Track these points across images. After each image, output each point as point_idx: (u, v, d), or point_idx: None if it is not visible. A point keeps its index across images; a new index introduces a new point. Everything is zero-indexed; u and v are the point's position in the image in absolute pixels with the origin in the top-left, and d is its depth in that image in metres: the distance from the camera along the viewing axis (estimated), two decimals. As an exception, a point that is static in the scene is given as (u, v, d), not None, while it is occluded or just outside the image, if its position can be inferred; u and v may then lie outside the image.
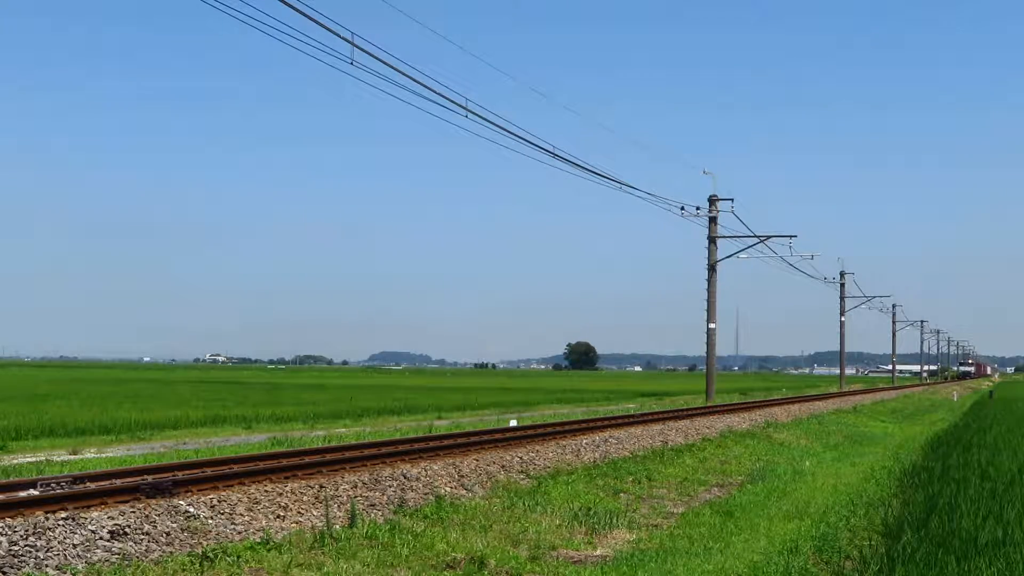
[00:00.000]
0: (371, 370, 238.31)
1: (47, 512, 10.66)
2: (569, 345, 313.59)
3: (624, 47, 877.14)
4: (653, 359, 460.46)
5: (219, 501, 12.14)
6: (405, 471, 15.50)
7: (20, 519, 10.25)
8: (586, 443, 21.65)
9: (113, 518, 10.72)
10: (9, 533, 9.77)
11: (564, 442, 21.36)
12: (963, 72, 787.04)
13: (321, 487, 13.60)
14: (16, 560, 9.31)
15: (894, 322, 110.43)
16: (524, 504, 14.78)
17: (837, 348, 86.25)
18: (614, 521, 14.41)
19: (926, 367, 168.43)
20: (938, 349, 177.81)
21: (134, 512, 11.05)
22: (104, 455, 20.35)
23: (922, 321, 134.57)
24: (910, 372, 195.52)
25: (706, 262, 45.44)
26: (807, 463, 23.51)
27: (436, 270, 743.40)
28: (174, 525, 11.05)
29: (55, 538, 9.91)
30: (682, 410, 35.10)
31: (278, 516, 12.29)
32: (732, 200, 45.28)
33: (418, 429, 27.37)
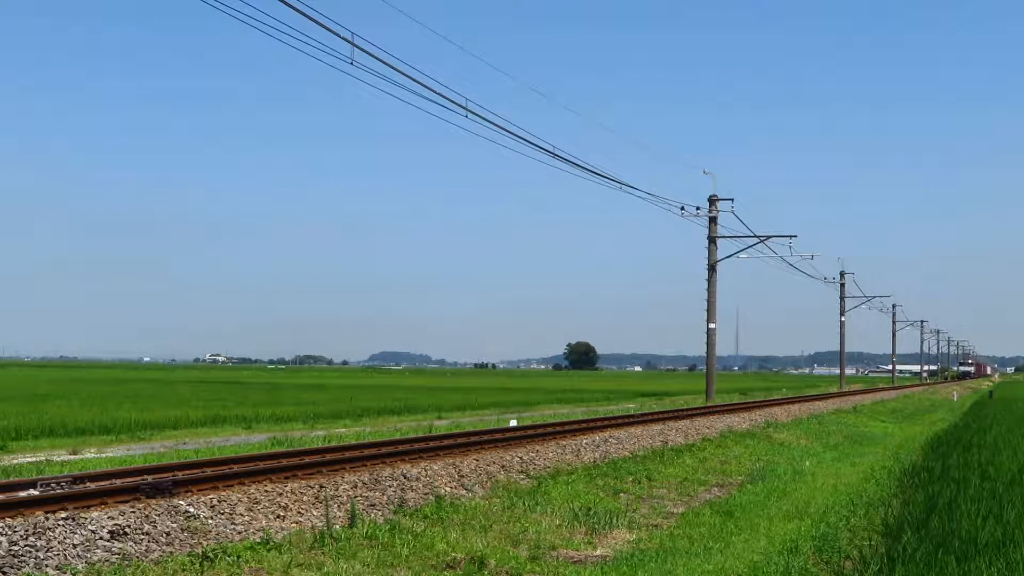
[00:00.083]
0: (371, 370, 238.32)
1: (47, 512, 10.66)
2: (569, 345, 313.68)
3: (624, 47, 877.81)
4: (653, 359, 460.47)
5: (219, 501, 12.14)
6: (405, 471, 15.50)
7: (20, 519, 10.25)
8: (586, 443, 21.65)
9: (113, 518, 10.72)
10: (9, 533, 9.77)
11: (564, 442, 21.36)
12: (963, 72, 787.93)
13: (321, 487, 13.60)
14: (16, 560, 9.31)
15: (894, 322, 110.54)
16: (524, 504, 14.78)
17: (837, 348, 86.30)
18: (614, 521, 14.42)
19: (926, 367, 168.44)
20: (938, 349, 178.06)
21: (134, 512, 11.06)
22: (104, 455, 20.35)
23: (922, 321, 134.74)
24: (910, 372, 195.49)
25: (706, 262, 45.45)
26: (807, 463, 23.51)
27: (436, 270, 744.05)
28: (174, 525, 11.05)
29: (55, 538, 9.91)
30: (682, 410, 35.10)
31: (278, 516, 12.29)
32: (732, 200, 45.33)
33: (418, 429, 27.37)
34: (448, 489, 15.21)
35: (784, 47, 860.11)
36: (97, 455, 20.36)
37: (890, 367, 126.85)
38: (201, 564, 9.95)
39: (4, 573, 9.09)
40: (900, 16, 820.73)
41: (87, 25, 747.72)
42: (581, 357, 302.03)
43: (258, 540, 11.09)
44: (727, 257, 46.34)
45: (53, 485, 12.37)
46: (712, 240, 45.29)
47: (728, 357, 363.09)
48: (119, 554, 9.94)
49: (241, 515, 11.94)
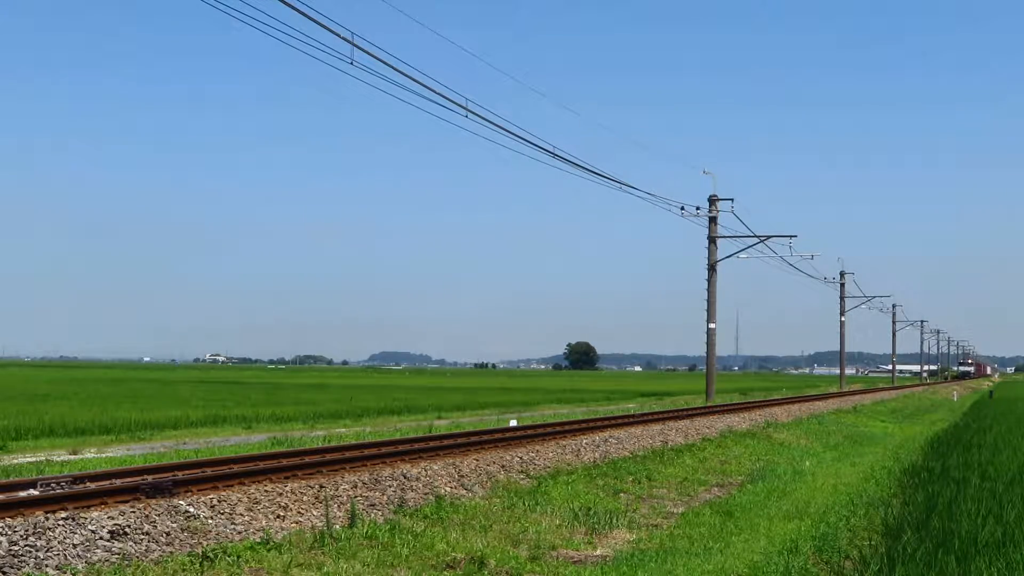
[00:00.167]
0: (371, 370, 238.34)
1: (47, 512, 10.66)
2: (569, 345, 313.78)
3: (624, 47, 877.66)
4: (653, 359, 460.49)
5: (219, 501, 12.14)
6: (405, 471, 15.51)
7: (20, 519, 10.25)
8: (586, 443, 21.65)
9: (113, 518, 10.72)
10: (9, 533, 9.77)
11: (564, 442, 21.36)
12: (963, 72, 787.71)
13: (321, 487, 13.60)
14: (16, 560, 9.31)
15: (894, 322, 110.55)
16: (524, 504, 14.78)
17: (837, 348, 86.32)
18: (614, 521, 14.42)
19: (926, 367, 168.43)
20: (938, 349, 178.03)
21: (134, 512, 11.06)
22: (104, 455, 20.35)
23: (922, 321, 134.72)
24: (910, 372, 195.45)
25: (706, 262, 45.46)
26: (807, 463, 23.51)
27: (436, 270, 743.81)
28: (174, 525, 11.06)
29: (55, 538, 9.91)
30: (682, 410, 35.10)
31: (278, 516, 12.29)
32: (732, 200, 45.33)
33: (418, 429, 27.37)
34: (448, 489, 15.21)
35: (784, 47, 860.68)
36: (97, 455, 20.37)
37: (890, 367, 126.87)
38: (201, 564, 9.95)
39: (4, 573, 9.09)
40: (900, 16, 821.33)
41: (87, 25, 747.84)
42: (581, 357, 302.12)
43: (258, 540, 11.09)
44: (727, 257, 46.41)
45: (53, 485, 12.38)
46: (712, 240, 45.29)
47: (728, 357, 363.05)
48: (119, 554, 9.94)
49: (241, 515, 11.94)
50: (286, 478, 13.94)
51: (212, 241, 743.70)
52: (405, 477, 15.19)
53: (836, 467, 22.98)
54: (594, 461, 19.93)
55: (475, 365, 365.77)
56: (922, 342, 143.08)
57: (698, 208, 45.03)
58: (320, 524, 11.97)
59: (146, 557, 10.04)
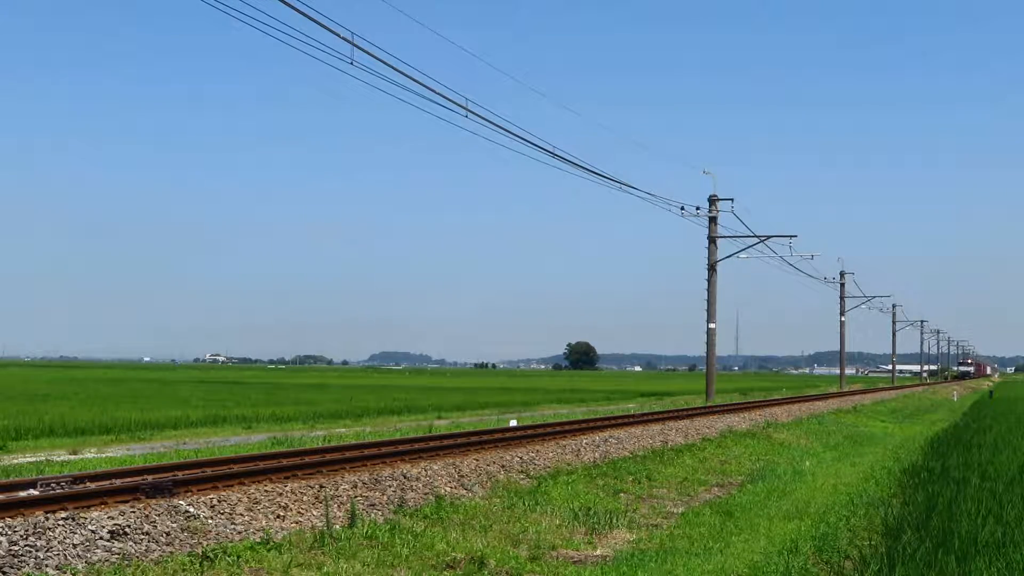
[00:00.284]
0: (371, 370, 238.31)
1: (47, 512, 10.67)
2: (569, 345, 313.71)
3: (624, 47, 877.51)
4: (653, 359, 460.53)
5: (219, 501, 12.14)
6: (405, 471, 15.50)
7: (20, 519, 10.25)
8: (586, 443, 21.64)
9: (113, 518, 10.72)
10: (9, 533, 9.77)
11: (564, 442, 21.35)
12: (963, 72, 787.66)
13: (321, 487, 13.60)
14: (16, 560, 9.31)
15: (894, 322, 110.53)
16: (524, 504, 14.78)
17: (837, 348, 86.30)
18: (614, 521, 14.42)
19: (926, 367, 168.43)
20: (938, 349, 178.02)
21: (134, 512, 11.06)
22: (104, 455, 20.35)
23: (922, 321, 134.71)
24: (910, 372, 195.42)
25: (706, 262, 45.45)
26: (807, 463, 23.51)
27: (436, 270, 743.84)
28: (174, 525, 11.05)
29: (55, 538, 9.91)
30: (682, 410, 35.10)
31: (278, 516, 12.29)
32: (732, 200, 45.33)
33: (418, 429, 27.37)
34: (448, 489, 15.21)
35: (784, 47, 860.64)
36: (97, 455, 20.36)
37: (890, 367, 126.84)
38: (201, 564, 9.95)
39: (4, 573, 9.09)
40: (900, 16, 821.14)
41: (87, 26, 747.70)
42: (581, 357, 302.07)
43: (258, 540, 11.09)
44: (727, 257, 46.40)
45: (53, 485, 12.38)
46: (712, 240, 45.28)
47: (728, 357, 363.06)
48: (119, 554, 9.94)
49: (241, 515, 11.94)
50: (286, 478, 13.94)
51: (212, 241, 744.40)
52: (405, 477, 15.18)
53: (836, 467, 22.98)
54: (594, 461, 19.93)
55: (475, 365, 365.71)
56: (922, 342, 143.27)
57: (698, 208, 45.06)
58: (320, 524, 11.97)
59: (146, 557, 10.04)
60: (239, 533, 11.37)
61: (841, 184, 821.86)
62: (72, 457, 19.74)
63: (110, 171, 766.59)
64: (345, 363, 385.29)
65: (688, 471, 20.62)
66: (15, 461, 18.78)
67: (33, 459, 19.16)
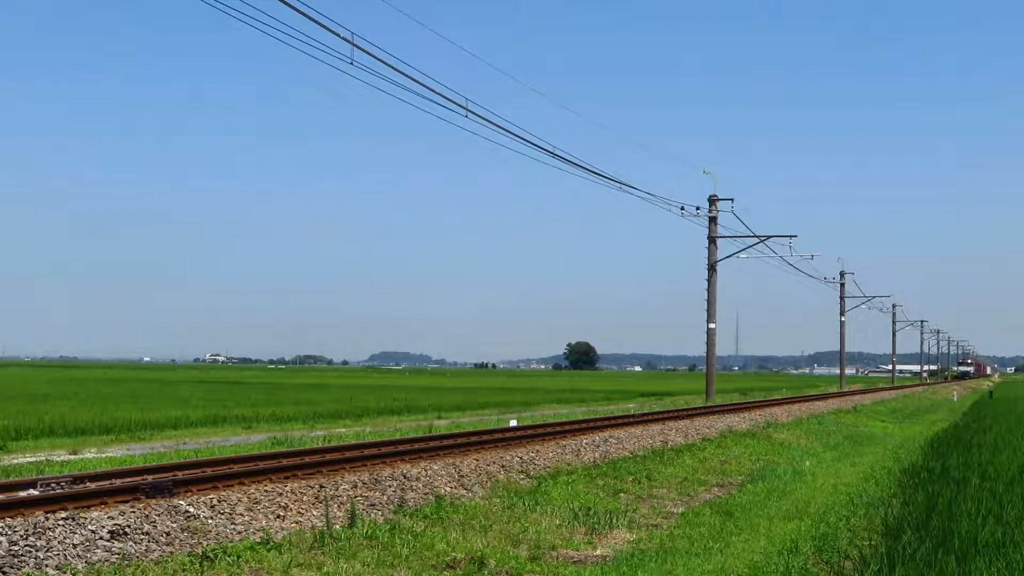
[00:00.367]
0: (371, 370, 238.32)
1: (47, 512, 10.67)
2: (569, 345, 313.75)
3: (624, 47, 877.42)
4: (653, 359, 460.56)
5: (219, 501, 12.14)
6: (405, 471, 15.50)
7: (20, 519, 10.25)
8: (586, 443, 21.64)
9: (113, 518, 10.72)
10: (9, 533, 9.77)
11: (564, 442, 21.35)
12: (963, 72, 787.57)
13: (321, 487, 13.60)
14: (16, 560, 9.31)
15: (894, 322, 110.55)
16: (524, 504, 14.78)
17: (837, 348, 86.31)
18: (614, 521, 14.42)
19: (926, 367, 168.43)
20: (938, 349, 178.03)
21: (134, 512, 11.05)
22: (104, 455, 20.35)
23: (922, 321, 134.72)
24: (910, 372, 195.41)
25: (706, 262, 45.45)
26: (807, 463, 23.51)
27: (436, 270, 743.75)
28: (174, 525, 11.05)
29: (55, 538, 9.91)
30: (682, 410, 35.10)
31: (278, 516, 12.29)
32: (732, 200, 45.34)
33: (418, 429, 27.37)
34: (448, 489, 15.21)
35: (784, 47, 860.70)
36: (97, 455, 20.36)
37: (890, 367, 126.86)
38: (201, 564, 9.95)
39: (4, 573, 9.09)
40: (900, 16, 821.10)
41: (87, 26, 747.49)
42: (581, 357, 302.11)
43: (258, 540, 11.09)
44: (727, 257, 46.41)
45: (53, 485, 12.38)
46: (712, 240, 45.29)
47: (728, 357, 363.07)
48: (119, 554, 9.94)
49: (241, 515, 11.94)
50: (286, 478, 13.94)
51: (212, 241, 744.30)
52: (405, 477, 15.18)
53: (836, 467, 22.97)
54: (594, 461, 19.93)
55: (475, 365, 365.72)
56: (922, 342, 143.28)
57: (698, 208, 45.06)
58: (320, 524, 11.97)
59: (146, 557, 10.04)
60: (239, 533, 11.37)
61: (841, 184, 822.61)
62: (72, 457, 19.74)
63: (110, 171, 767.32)
64: (345, 363, 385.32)
65: (688, 471, 20.61)
66: (15, 461, 18.78)
67: (33, 459, 19.16)
